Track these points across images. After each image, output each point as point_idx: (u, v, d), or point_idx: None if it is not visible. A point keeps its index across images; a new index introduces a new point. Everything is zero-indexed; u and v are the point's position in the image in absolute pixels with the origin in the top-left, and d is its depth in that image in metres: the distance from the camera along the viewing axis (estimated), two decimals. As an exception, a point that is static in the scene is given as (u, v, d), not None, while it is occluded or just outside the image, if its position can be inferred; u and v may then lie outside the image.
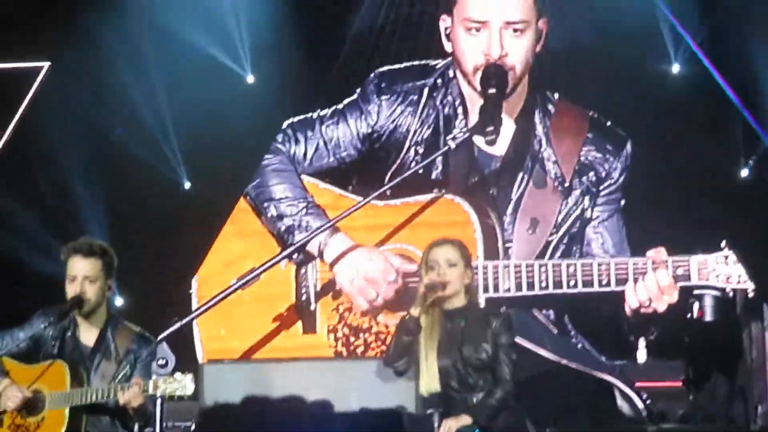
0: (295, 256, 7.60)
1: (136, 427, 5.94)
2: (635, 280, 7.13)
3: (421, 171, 7.57)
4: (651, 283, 7.06)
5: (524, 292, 7.36)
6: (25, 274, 8.22)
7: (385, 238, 7.67)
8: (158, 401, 5.74)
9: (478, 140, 7.72)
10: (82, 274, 6.02)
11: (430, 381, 6.08)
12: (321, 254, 7.64)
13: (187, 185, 8.64)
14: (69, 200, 8.43)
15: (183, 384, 5.64)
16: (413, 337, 6.07)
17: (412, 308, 6.15)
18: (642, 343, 7.48)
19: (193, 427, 7.01)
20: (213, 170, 8.35)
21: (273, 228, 7.84)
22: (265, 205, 7.86)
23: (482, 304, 7.10)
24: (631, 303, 7.15)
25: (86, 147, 8.43)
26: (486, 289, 7.30)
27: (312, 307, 7.81)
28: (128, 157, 8.38)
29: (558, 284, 7.31)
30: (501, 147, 7.82)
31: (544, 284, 7.33)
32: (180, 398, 5.72)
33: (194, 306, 7.71)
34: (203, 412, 6.72)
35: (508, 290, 7.34)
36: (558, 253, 7.72)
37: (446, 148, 7.33)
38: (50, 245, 7.49)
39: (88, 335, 6.12)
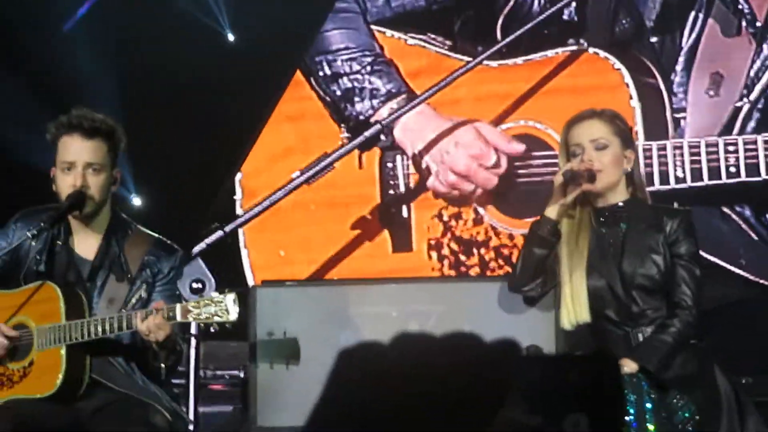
0: (382, 138, 6.72)
1: (162, 368, 5.16)
2: None
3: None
4: None
5: (705, 181, 6.71)
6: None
7: (503, 114, 6.88)
8: (192, 340, 5.32)
9: (628, -36, 7.07)
10: (83, 160, 5.19)
11: (575, 310, 5.32)
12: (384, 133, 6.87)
13: (231, 37, 7.58)
14: (64, 58, 7.31)
15: (223, 306, 4.85)
16: (549, 249, 5.31)
17: (548, 208, 5.34)
18: None
19: (242, 375, 6.30)
20: (265, 22, 7.23)
21: (326, 95, 7.10)
22: (317, 60, 7.09)
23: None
24: None
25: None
26: (650, 181, 6.57)
27: (405, 214, 7.09)
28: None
29: (754, 169, 6.64)
30: (659, -27, 7.08)
31: (733, 170, 6.66)
32: (221, 328, 4.89)
33: (239, 210, 7.09)
34: (255, 353, 5.74)
35: (683, 180, 6.72)
36: (751, 125, 6.85)
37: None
38: (34, 123, 6.61)
39: (86, 245, 5.31)
